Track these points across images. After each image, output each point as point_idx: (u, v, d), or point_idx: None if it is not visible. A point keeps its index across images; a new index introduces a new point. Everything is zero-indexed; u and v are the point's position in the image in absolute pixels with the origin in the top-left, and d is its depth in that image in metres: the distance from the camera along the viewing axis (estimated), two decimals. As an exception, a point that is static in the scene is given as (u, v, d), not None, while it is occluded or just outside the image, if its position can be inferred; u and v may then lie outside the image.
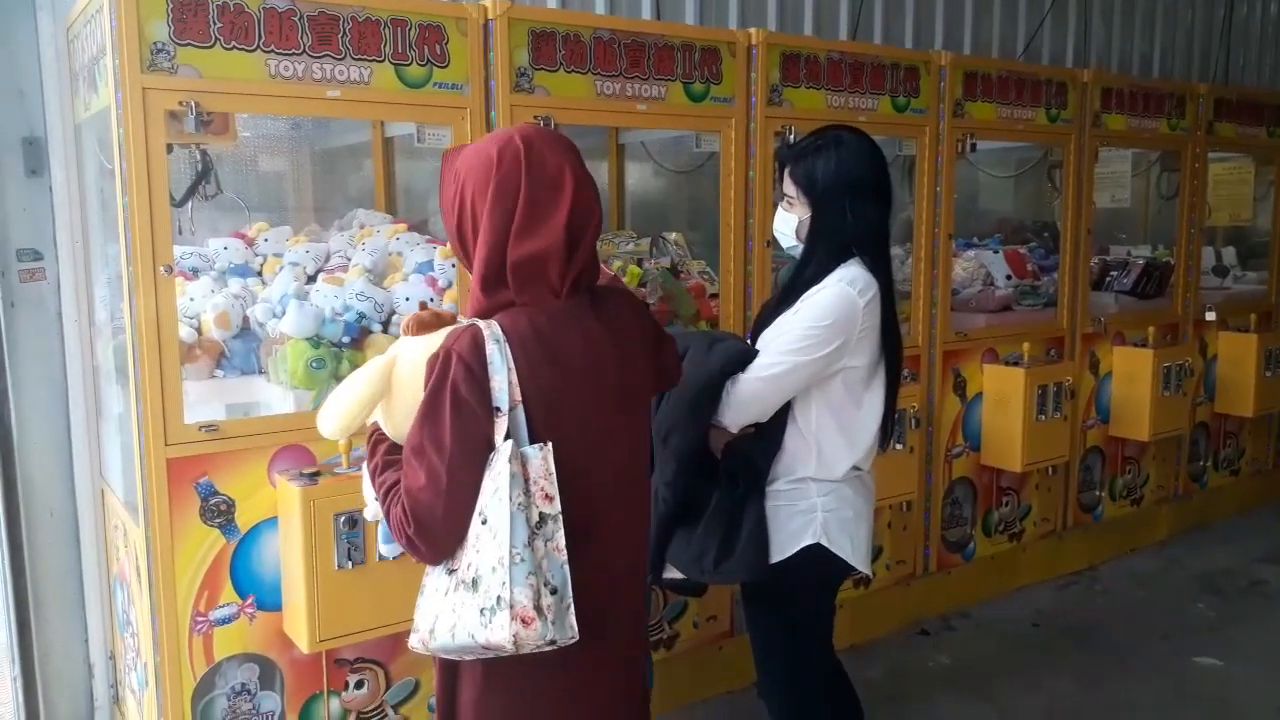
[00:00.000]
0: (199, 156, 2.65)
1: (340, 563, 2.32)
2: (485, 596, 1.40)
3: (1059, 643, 3.76)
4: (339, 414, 1.61)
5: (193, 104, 2.25)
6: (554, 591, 1.43)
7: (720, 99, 3.13)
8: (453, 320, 1.67)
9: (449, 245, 2.78)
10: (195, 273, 2.89)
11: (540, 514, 1.44)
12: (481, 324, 1.49)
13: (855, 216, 2.11)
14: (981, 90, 3.83)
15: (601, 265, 3.13)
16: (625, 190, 4.04)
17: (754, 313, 3.07)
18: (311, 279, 2.85)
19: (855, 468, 2.16)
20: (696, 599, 3.15)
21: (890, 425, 2.22)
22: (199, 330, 2.66)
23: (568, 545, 1.47)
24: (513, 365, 1.46)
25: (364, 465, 1.68)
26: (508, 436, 1.46)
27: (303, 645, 2.37)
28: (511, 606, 1.37)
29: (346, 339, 2.58)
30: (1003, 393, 3.88)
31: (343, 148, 3.65)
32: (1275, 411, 5.15)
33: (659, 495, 2.15)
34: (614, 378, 1.60)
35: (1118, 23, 5.89)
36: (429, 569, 1.54)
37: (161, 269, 2.25)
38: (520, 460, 1.44)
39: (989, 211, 5.30)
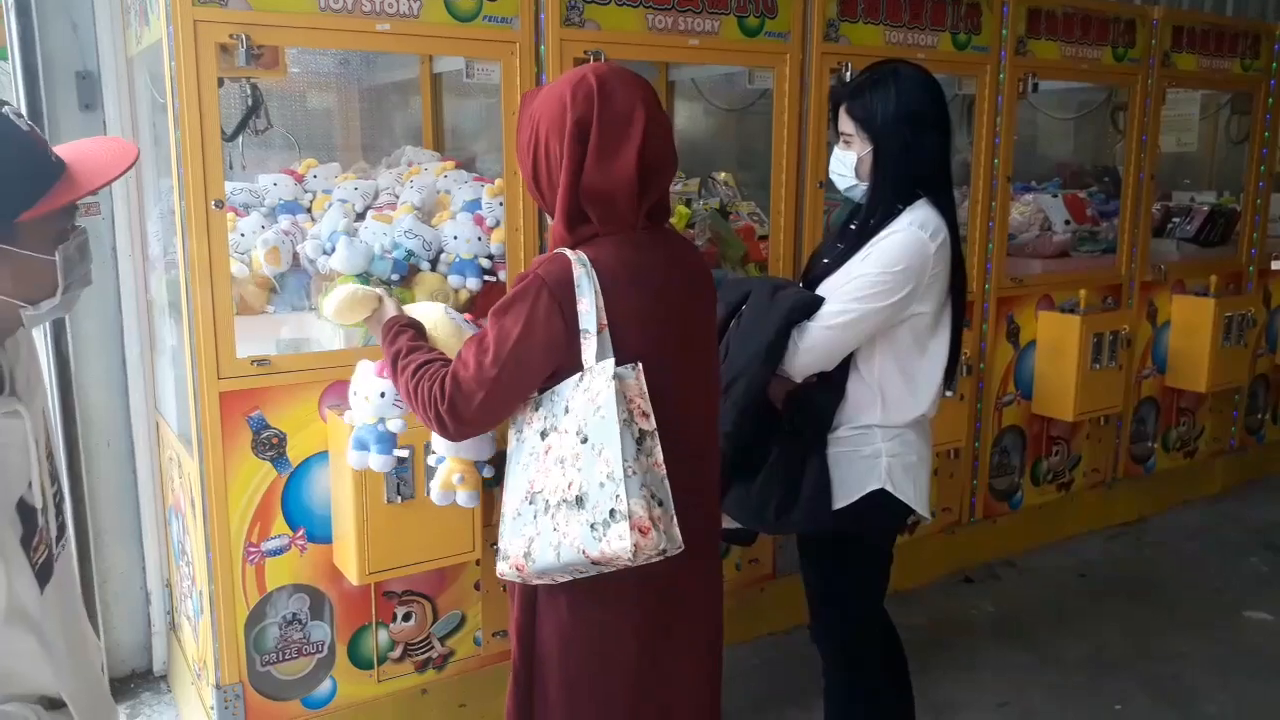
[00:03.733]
0: (249, 91, 2.64)
1: (390, 497, 2.34)
2: (595, 512, 1.44)
3: (1106, 593, 3.72)
4: (333, 311, 1.85)
5: (243, 37, 2.23)
6: (660, 504, 1.47)
7: (775, 34, 3.04)
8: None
9: (497, 185, 2.76)
10: (246, 209, 2.90)
11: (640, 430, 1.48)
12: (569, 252, 1.54)
13: (918, 150, 2.05)
14: (1046, 27, 3.69)
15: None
16: (675, 129, 3.96)
17: (805, 255, 3.02)
18: (360, 216, 2.84)
19: (921, 414, 2.13)
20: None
21: (955, 371, 2.18)
22: (250, 266, 2.67)
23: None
24: (599, 290, 1.51)
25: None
26: (598, 359, 1.50)
27: (352, 577, 2.41)
28: (630, 517, 1.41)
29: (395, 276, 2.57)
30: (1057, 340, 3.80)
31: (390, 84, 3.62)
32: (1340, 365, 5.00)
33: None
34: (692, 304, 1.66)
35: (1191, -43, 5.63)
36: (506, 498, 1.60)
37: (213, 203, 2.26)
38: (617, 380, 1.48)
39: (1048, 155, 5.15)
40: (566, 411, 1.50)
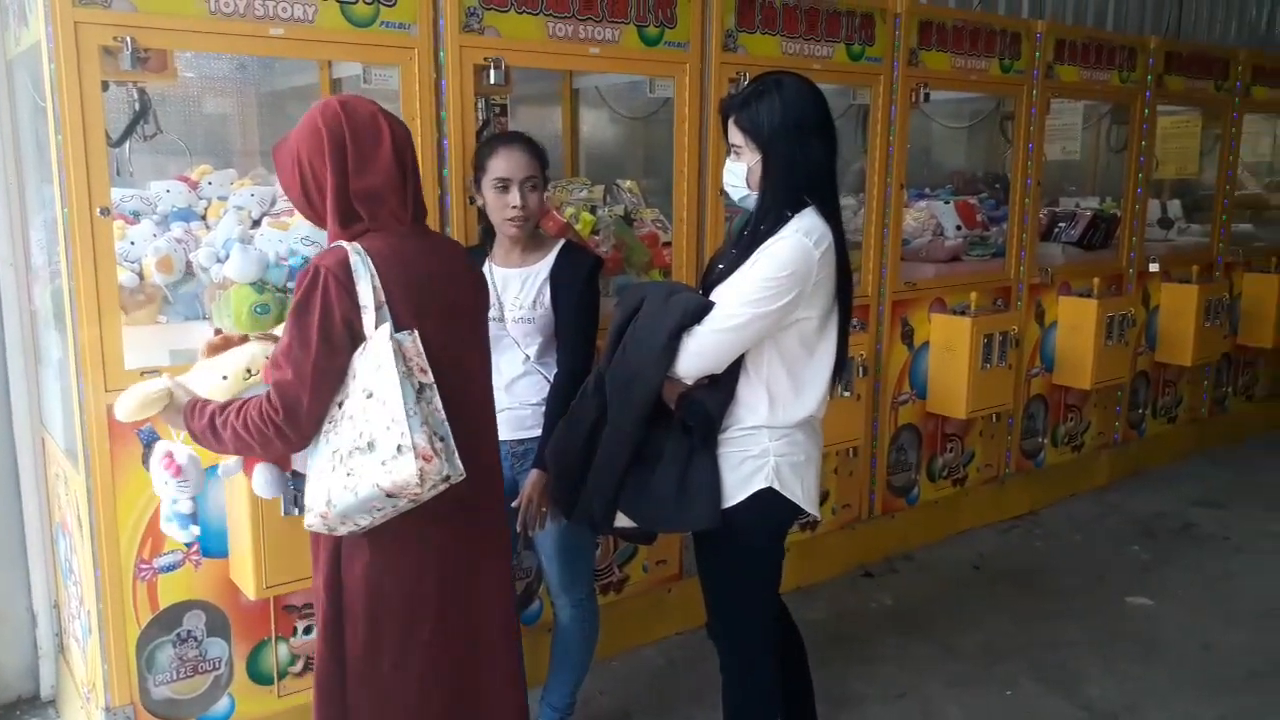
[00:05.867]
0: (136, 95, 2.56)
1: (286, 509, 2.29)
2: (385, 451, 1.65)
3: (999, 584, 3.87)
4: (125, 415, 1.88)
5: (128, 39, 2.17)
6: (441, 440, 1.71)
7: (675, 44, 3.10)
8: (242, 340, 2.03)
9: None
10: (137, 216, 2.82)
11: (420, 383, 1.72)
12: (344, 244, 1.76)
13: (804, 159, 2.10)
14: (936, 39, 3.83)
15: (553, 212, 3.13)
16: (579, 136, 4.00)
17: (707, 261, 3.07)
18: (256, 223, 2.79)
19: (809, 416, 2.18)
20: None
21: (840, 373, 2.25)
22: (141, 275, 2.60)
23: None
24: (375, 271, 1.74)
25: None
26: (378, 327, 1.72)
27: (249, 592, 2.36)
28: (414, 448, 1.64)
29: (292, 284, 2.54)
30: (949, 342, 3.94)
31: (289, 89, 3.55)
32: (1212, 361, 5.29)
33: (611, 447, 2.16)
34: (456, 288, 1.91)
35: (1074, -26, 5.90)
36: (311, 461, 1.77)
37: (98, 211, 2.20)
38: (396, 342, 1.71)
39: (942, 162, 5.33)
40: (354, 377, 1.72)
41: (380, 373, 1.67)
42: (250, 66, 3.31)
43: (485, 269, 2.47)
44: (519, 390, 2.46)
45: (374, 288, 1.73)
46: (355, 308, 1.72)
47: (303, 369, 1.70)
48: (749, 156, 2.14)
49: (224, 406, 1.81)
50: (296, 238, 2.60)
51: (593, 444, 2.20)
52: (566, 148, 3.94)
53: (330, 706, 1.86)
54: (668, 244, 3.34)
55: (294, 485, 2.26)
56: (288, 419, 1.71)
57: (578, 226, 3.12)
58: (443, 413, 1.73)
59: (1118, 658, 3.32)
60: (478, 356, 1.98)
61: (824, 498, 3.76)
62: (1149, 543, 4.30)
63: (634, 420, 2.12)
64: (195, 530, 2.05)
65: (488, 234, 2.57)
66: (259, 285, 2.47)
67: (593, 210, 3.29)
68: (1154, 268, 4.89)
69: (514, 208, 2.39)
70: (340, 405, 1.73)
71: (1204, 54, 5.11)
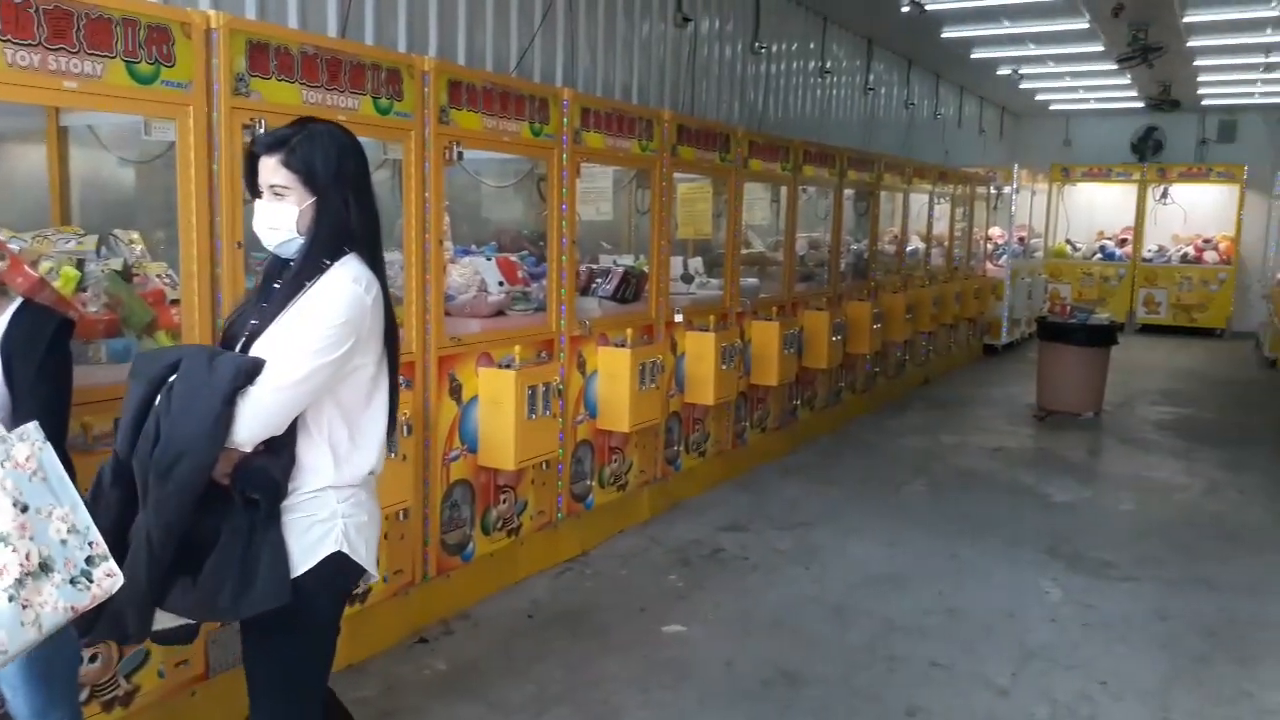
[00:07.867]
0: None
1: None
2: (71, 567, 1.45)
3: (551, 630, 3.97)
4: None
5: None
6: None
7: (174, 83, 2.82)
8: None
9: None
10: None
11: None
12: None
13: (359, 206, 2.12)
14: (467, 99, 3.90)
15: (24, 268, 2.69)
16: (70, 181, 3.49)
17: (225, 319, 2.82)
18: None
19: (371, 471, 2.14)
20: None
21: (395, 425, 2.24)
22: None
23: None
24: None
25: None
26: None
27: None
28: (108, 557, 1.45)
29: None
30: (496, 395, 4.01)
31: None
32: (731, 399, 5.95)
33: (152, 547, 1.87)
34: None
35: (601, 50, 6.43)
36: None
37: None
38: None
39: (490, 219, 5.47)
40: None
41: (39, 481, 1.43)
42: None
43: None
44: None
45: None
46: None
47: None
48: (299, 198, 2.08)
49: None
50: None
51: (119, 546, 1.87)
52: (55, 194, 3.43)
53: None
54: (176, 301, 3.01)
55: None
56: None
57: (57, 284, 2.71)
58: None
59: (654, 686, 3.53)
60: None
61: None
62: (684, 570, 4.68)
63: (183, 507, 1.88)
64: None
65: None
66: None
67: (80, 265, 2.88)
68: (679, 318, 5.40)
69: None
70: None
71: (710, 129, 5.79)
